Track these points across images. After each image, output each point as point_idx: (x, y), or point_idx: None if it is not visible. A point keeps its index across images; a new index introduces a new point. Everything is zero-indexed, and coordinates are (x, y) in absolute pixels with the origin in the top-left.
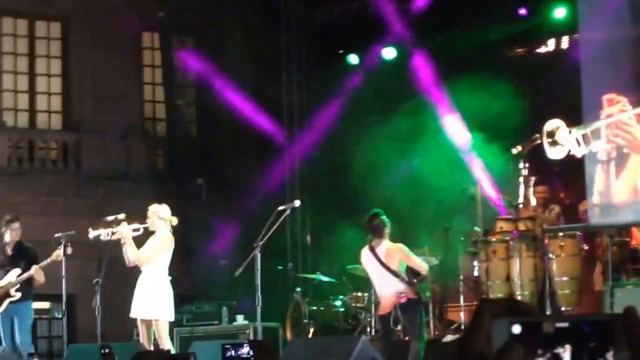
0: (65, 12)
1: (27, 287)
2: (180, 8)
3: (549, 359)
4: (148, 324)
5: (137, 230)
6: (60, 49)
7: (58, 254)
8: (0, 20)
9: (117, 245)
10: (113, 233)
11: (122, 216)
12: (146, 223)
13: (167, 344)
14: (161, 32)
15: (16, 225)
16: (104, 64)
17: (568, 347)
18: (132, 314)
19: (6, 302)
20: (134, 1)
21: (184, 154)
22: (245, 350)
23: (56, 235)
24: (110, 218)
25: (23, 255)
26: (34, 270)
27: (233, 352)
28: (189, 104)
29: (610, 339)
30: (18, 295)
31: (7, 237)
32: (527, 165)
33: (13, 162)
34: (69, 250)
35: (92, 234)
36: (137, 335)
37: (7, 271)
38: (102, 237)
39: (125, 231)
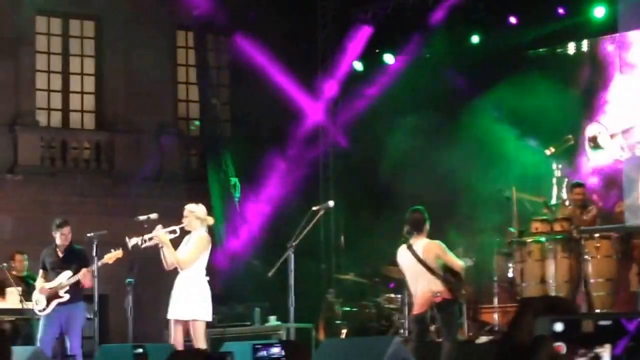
0: (99, 11)
1: (77, 290)
2: (215, 6)
3: (590, 359)
4: (184, 324)
5: (174, 232)
6: (93, 48)
7: (109, 256)
8: (34, 19)
9: (149, 246)
10: (150, 239)
11: (154, 216)
12: (182, 223)
13: (203, 345)
14: (195, 31)
15: (66, 229)
16: (138, 63)
17: (608, 346)
18: (171, 315)
19: (54, 303)
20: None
21: (218, 153)
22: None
23: (88, 235)
24: (142, 218)
25: (74, 258)
26: (82, 274)
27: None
28: (223, 103)
29: None
30: (67, 297)
31: (58, 241)
32: (559, 166)
33: (46, 161)
34: (119, 254)
35: (130, 242)
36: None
37: (58, 273)
38: (140, 244)
39: (162, 235)
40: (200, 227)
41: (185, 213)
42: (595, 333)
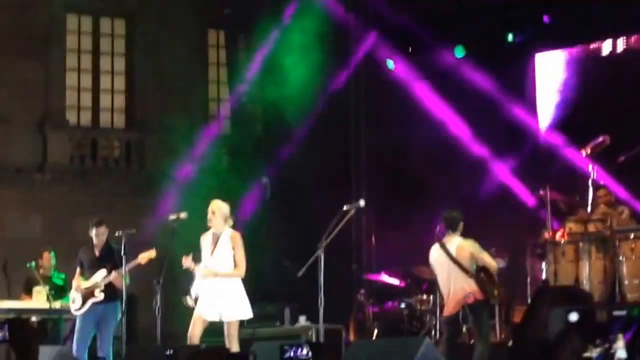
0: (130, 9)
1: (112, 289)
2: (246, 5)
3: (605, 349)
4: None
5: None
6: (124, 47)
7: (142, 256)
8: (65, 18)
9: (177, 245)
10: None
11: (184, 215)
12: (208, 218)
13: (235, 345)
14: (227, 30)
15: (102, 228)
16: (169, 61)
17: (621, 336)
18: (213, 317)
19: (89, 302)
20: None
21: (249, 152)
22: (304, 351)
23: (117, 233)
24: (172, 217)
25: (109, 257)
26: (114, 275)
27: (292, 353)
28: (254, 102)
29: None
30: (101, 296)
31: (94, 240)
32: (595, 167)
33: (75, 161)
34: (152, 254)
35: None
36: None
37: (94, 272)
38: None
39: (209, 273)
40: (224, 225)
41: (213, 209)
42: (611, 323)
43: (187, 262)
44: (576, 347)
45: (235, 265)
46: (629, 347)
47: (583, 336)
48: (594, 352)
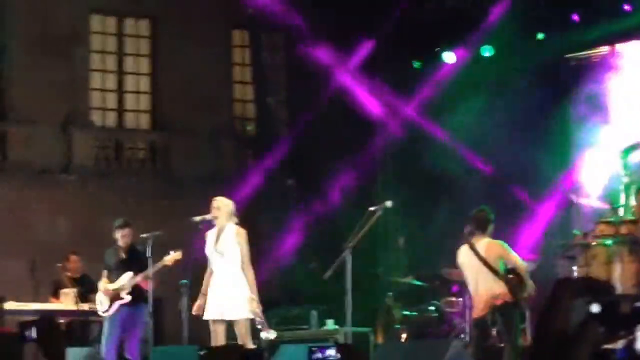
0: (155, 9)
1: (139, 291)
2: (270, 4)
3: (629, 341)
4: (227, 324)
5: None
6: (149, 47)
7: (168, 258)
8: (89, 18)
9: (204, 247)
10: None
11: (209, 216)
12: (211, 214)
13: (249, 342)
14: (251, 30)
15: (126, 230)
16: (193, 62)
17: None
18: (214, 315)
19: (116, 304)
20: None
21: (275, 154)
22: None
23: (142, 235)
24: (197, 219)
25: (135, 259)
26: (141, 277)
27: (320, 355)
28: (279, 102)
29: None
30: (128, 298)
31: (120, 242)
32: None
33: (100, 162)
34: (178, 255)
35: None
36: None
37: (120, 274)
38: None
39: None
40: (229, 221)
41: (218, 205)
42: (634, 314)
43: (197, 308)
44: (596, 339)
45: (246, 260)
46: None
47: (606, 327)
48: (618, 344)
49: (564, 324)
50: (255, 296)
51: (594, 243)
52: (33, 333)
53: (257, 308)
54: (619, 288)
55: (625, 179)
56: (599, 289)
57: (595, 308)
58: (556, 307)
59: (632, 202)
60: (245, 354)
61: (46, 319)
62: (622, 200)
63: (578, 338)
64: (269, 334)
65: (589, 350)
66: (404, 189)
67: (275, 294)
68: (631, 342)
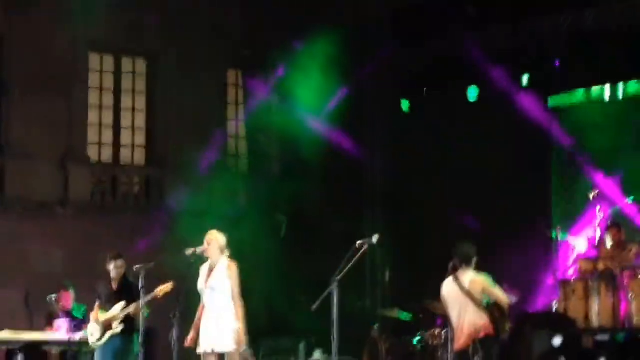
0: (151, 48)
1: (130, 322)
2: (264, 45)
3: None
4: (220, 356)
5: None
6: (145, 85)
7: (159, 290)
8: (87, 56)
9: (195, 278)
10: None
11: (200, 250)
12: (203, 247)
13: None
14: (245, 70)
15: (119, 262)
16: (188, 100)
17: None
18: (206, 348)
19: (108, 334)
20: (218, 38)
21: (266, 190)
22: None
23: (135, 267)
24: (189, 251)
25: (127, 290)
26: (133, 308)
27: None
28: (271, 140)
29: None
30: (119, 328)
31: (112, 273)
32: (602, 208)
33: (96, 196)
34: (169, 287)
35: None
36: None
37: (112, 305)
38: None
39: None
40: (220, 255)
41: (209, 239)
42: (595, 348)
43: (189, 341)
44: None
45: (236, 296)
46: None
47: None
48: None
49: (527, 356)
50: (243, 329)
51: (572, 279)
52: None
53: (245, 341)
54: (597, 322)
55: (600, 215)
56: (560, 322)
57: (557, 341)
58: (519, 339)
59: (606, 237)
60: None
61: (33, 346)
62: (598, 237)
63: None
64: None
65: None
66: (391, 222)
67: (265, 325)
68: None
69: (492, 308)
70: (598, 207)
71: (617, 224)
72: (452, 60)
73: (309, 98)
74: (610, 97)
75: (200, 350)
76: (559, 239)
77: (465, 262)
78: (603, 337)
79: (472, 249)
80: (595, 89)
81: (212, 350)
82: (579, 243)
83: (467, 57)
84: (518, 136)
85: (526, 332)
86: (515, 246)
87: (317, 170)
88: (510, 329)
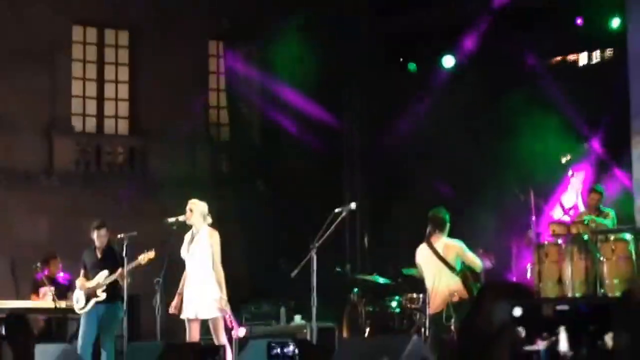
0: (134, 21)
1: (114, 289)
2: (244, 17)
3: (551, 342)
4: (201, 322)
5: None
6: (128, 57)
7: (142, 257)
8: (71, 29)
9: (179, 245)
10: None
11: (182, 218)
12: (185, 215)
13: (221, 339)
14: (225, 40)
15: (103, 231)
16: (171, 71)
17: (562, 329)
18: (193, 315)
19: (92, 301)
20: (199, 11)
21: (247, 158)
22: (290, 348)
23: (119, 235)
24: (171, 220)
25: (111, 259)
26: (117, 274)
27: (278, 350)
28: (252, 109)
29: (608, 322)
30: (104, 296)
31: (96, 242)
32: (574, 172)
33: (81, 166)
34: (151, 255)
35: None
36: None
37: (97, 273)
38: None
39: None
40: (202, 223)
41: (191, 207)
42: (555, 318)
43: (173, 308)
44: (515, 340)
45: (217, 264)
46: (571, 341)
47: (528, 330)
48: (541, 346)
49: (487, 325)
50: (224, 295)
51: (546, 242)
52: (2, 329)
53: (226, 307)
54: (569, 285)
55: (573, 180)
56: (521, 292)
57: (517, 311)
58: (480, 309)
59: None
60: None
61: (15, 316)
62: (571, 200)
63: (498, 339)
64: (239, 332)
65: (508, 350)
66: (372, 190)
67: (246, 291)
68: (553, 344)
69: (465, 273)
70: (570, 172)
71: (599, 189)
72: (429, 29)
73: (288, 68)
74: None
75: (183, 316)
76: (532, 202)
77: (439, 227)
78: (563, 307)
79: (445, 214)
80: None
81: (196, 316)
82: (552, 207)
83: (443, 26)
84: (491, 103)
85: (486, 304)
86: (490, 211)
87: (297, 139)
88: (471, 301)
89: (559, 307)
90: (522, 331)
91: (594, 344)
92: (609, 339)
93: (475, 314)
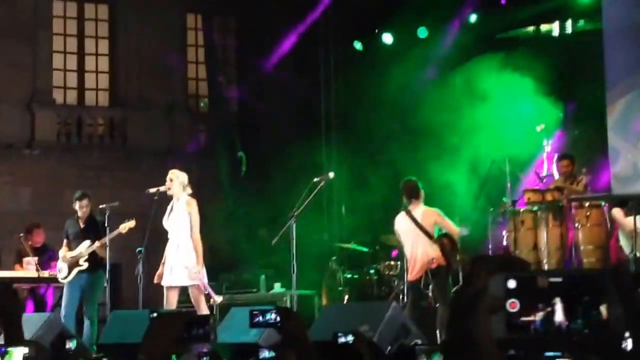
0: None
1: (96, 259)
2: None
3: (547, 313)
4: (179, 291)
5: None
6: (107, 30)
7: (123, 226)
8: (51, 3)
9: (160, 215)
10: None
11: (163, 188)
12: (165, 186)
13: (202, 308)
14: (204, 14)
15: (84, 202)
16: (150, 44)
17: (558, 300)
18: (172, 282)
19: (75, 271)
20: None
21: (226, 129)
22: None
23: (101, 206)
24: (152, 190)
25: (93, 228)
26: (97, 245)
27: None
28: (230, 81)
29: (602, 293)
30: (86, 265)
31: (78, 212)
32: (550, 141)
33: (62, 137)
34: (132, 224)
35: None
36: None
37: (79, 243)
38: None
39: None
40: (182, 192)
41: (171, 177)
42: (550, 289)
43: (157, 277)
44: (492, 304)
45: (195, 232)
46: (566, 311)
47: (523, 302)
48: (537, 317)
49: (482, 300)
50: (201, 264)
51: (521, 210)
52: None
53: (203, 276)
54: (545, 251)
55: (548, 149)
56: (515, 265)
57: (511, 284)
58: (473, 283)
59: (554, 169)
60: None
61: (2, 283)
62: (545, 169)
63: (476, 303)
64: (216, 299)
65: (488, 312)
66: (350, 159)
67: (227, 259)
68: (549, 315)
69: (443, 239)
70: (545, 140)
71: (569, 155)
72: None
73: (265, 39)
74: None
75: (163, 283)
76: (507, 171)
77: (414, 196)
78: (556, 279)
79: (417, 183)
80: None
81: (171, 284)
82: (527, 174)
83: None
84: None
85: (481, 277)
86: (465, 179)
87: (275, 109)
88: (464, 275)
89: (552, 279)
90: (517, 303)
91: (589, 315)
92: (603, 309)
93: (468, 288)
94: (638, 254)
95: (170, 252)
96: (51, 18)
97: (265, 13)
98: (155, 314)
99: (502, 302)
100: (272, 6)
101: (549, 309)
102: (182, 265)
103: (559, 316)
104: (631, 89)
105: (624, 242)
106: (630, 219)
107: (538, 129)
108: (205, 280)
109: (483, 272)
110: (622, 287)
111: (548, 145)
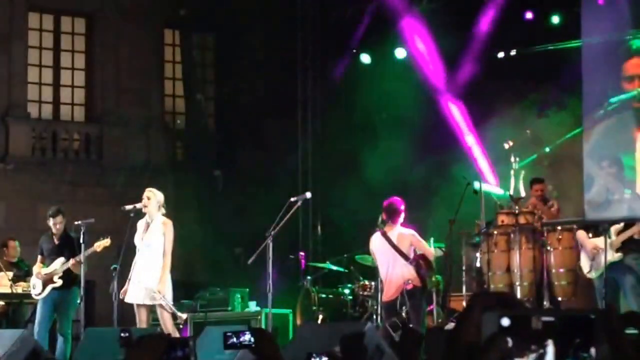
0: (90, 8)
1: (70, 275)
2: (200, 6)
3: (539, 355)
4: (149, 309)
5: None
6: (84, 44)
7: (98, 245)
8: (27, 15)
9: (133, 233)
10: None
11: (139, 206)
12: (141, 203)
13: (169, 328)
14: (182, 30)
15: (59, 219)
16: (127, 59)
17: (550, 342)
18: (135, 300)
19: (49, 287)
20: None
21: (202, 146)
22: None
23: (76, 222)
24: (128, 207)
25: (68, 245)
26: (71, 262)
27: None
28: (207, 98)
29: (594, 334)
30: (60, 282)
31: (53, 229)
32: (517, 159)
33: (37, 152)
34: (107, 242)
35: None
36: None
37: (54, 259)
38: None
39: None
40: (158, 212)
41: (149, 195)
42: (543, 329)
43: (122, 292)
44: (504, 351)
45: (167, 254)
46: (558, 352)
47: (516, 341)
48: (530, 357)
49: (475, 337)
50: (163, 285)
51: (495, 232)
52: None
53: (165, 296)
54: (517, 273)
55: (515, 166)
56: (510, 303)
57: (505, 322)
58: (468, 320)
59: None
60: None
61: None
62: (513, 186)
63: (486, 350)
64: (182, 317)
65: None
66: (326, 179)
67: (202, 277)
68: (541, 357)
69: (419, 261)
70: (513, 157)
71: (540, 179)
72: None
73: (245, 56)
74: None
75: (127, 300)
76: (480, 190)
77: (393, 217)
78: (549, 319)
79: (399, 205)
80: None
81: (138, 302)
82: (497, 193)
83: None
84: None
85: (475, 313)
86: (441, 200)
87: (253, 129)
88: (459, 313)
89: (545, 319)
90: (510, 342)
91: (579, 357)
92: (594, 351)
93: (463, 325)
94: (594, 274)
95: (136, 270)
96: (27, 30)
97: (243, 30)
98: (126, 334)
99: (514, 352)
100: (252, 24)
101: (541, 350)
102: (142, 284)
103: (550, 358)
104: (607, 117)
105: (583, 263)
106: (593, 240)
107: (506, 145)
108: (170, 299)
109: (477, 309)
110: (611, 329)
111: (516, 163)
